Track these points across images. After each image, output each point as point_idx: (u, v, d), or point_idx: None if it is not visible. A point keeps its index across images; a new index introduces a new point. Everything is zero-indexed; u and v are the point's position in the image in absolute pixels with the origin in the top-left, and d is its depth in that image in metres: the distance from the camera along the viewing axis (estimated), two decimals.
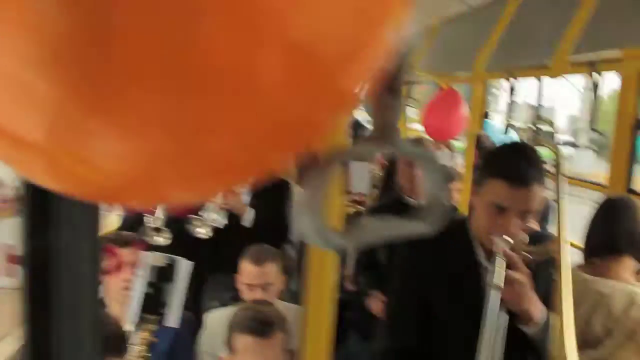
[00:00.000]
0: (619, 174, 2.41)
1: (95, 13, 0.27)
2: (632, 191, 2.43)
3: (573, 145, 24.20)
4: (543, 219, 3.41)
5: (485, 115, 3.04)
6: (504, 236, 1.47)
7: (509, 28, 2.67)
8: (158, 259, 1.83)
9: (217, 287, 2.98)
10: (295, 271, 3.76)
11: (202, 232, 2.77)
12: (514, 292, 1.42)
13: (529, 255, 1.57)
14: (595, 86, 1.86)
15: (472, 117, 2.77)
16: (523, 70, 2.36)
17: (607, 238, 1.86)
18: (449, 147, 4.52)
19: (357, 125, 6.44)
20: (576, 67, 1.98)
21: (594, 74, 1.88)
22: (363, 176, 4.22)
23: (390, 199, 2.82)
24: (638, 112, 2.30)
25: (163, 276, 1.84)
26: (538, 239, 1.68)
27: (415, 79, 4.35)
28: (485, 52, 2.75)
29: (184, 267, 1.84)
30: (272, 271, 2.49)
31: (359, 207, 3.60)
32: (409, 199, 2.63)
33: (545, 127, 2.16)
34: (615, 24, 2.21)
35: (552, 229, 3.35)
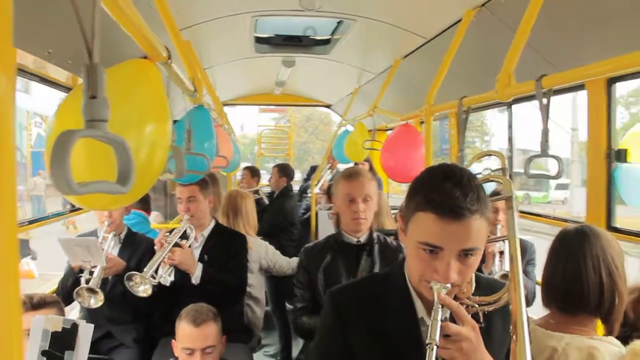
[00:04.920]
0: (597, 210, 2.17)
1: None
2: (614, 229, 2.16)
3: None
4: (528, 263, 3.17)
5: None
6: (441, 283, 1.20)
7: (458, 58, 2.52)
8: (54, 322, 1.54)
9: (168, 352, 2.73)
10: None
11: (142, 289, 2.49)
12: (458, 349, 1.15)
13: (476, 305, 1.30)
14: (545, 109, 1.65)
15: (426, 155, 2.56)
16: (472, 99, 2.17)
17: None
18: None
19: None
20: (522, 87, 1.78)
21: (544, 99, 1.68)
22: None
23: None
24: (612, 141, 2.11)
25: (61, 343, 1.55)
26: (491, 285, 1.42)
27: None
28: (436, 84, 2.59)
29: (86, 331, 1.56)
30: (212, 333, 2.31)
31: None
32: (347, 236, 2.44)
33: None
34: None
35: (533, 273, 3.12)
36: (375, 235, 2.45)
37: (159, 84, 1.23)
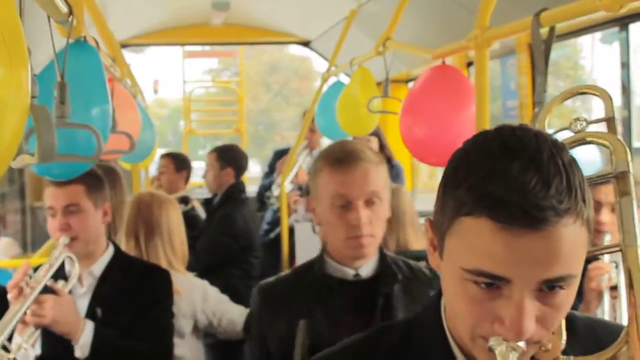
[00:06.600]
0: None
1: None
2: None
3: None
4: None
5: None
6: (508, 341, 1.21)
7: None
8: None
9: None
10: None
11: None
12: None
13: None
14: None
15: (477, 117, 2.55)
16: (558, 11, 2.17)
17: None
18: None
19: None
20: None
21: None
22: None
23: None
24: None
25: None
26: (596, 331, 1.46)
27: None
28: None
29: None
30: None
31: None
32: None
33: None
34: None
35: None
36: (390, 260, 2.40)
37: None
